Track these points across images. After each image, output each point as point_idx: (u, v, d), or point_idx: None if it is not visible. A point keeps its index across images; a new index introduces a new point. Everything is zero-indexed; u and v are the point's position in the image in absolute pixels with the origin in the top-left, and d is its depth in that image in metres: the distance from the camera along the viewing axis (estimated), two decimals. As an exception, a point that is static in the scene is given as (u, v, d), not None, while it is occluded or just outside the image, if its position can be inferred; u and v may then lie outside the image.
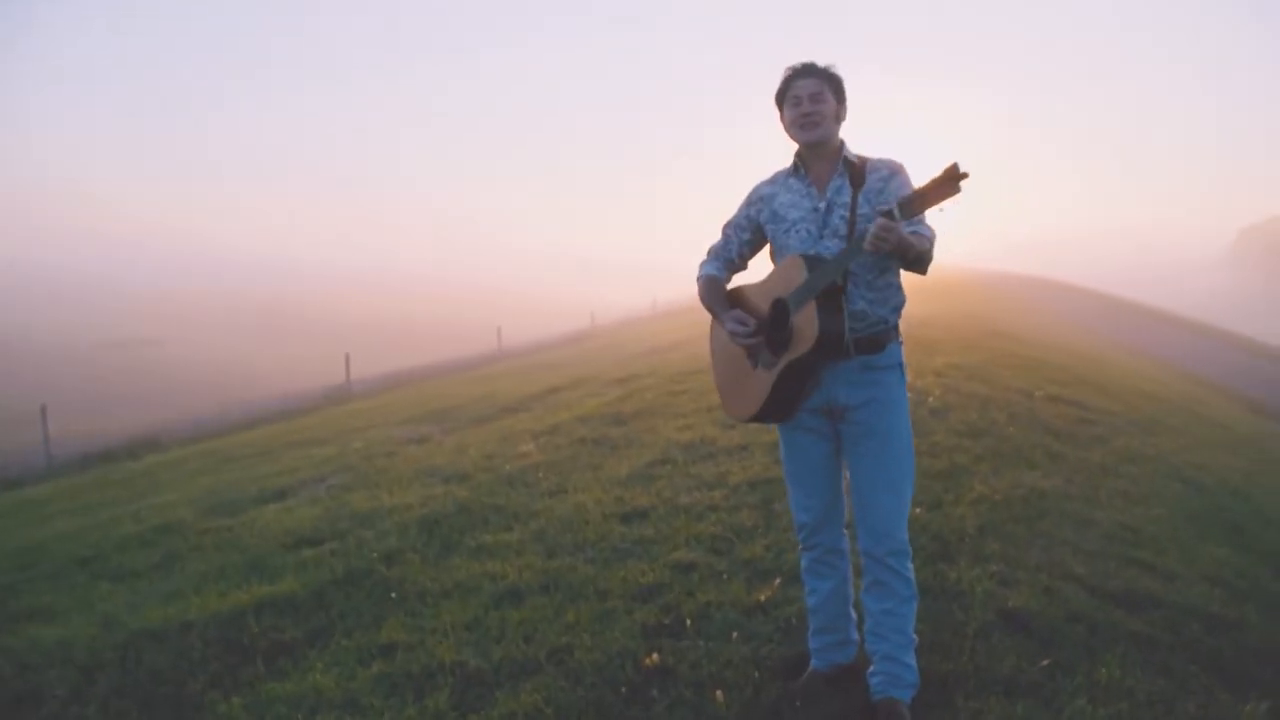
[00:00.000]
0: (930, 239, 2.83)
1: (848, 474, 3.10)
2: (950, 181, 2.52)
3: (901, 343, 3.05)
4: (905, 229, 2.69)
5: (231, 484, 8.81)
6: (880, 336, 2.98)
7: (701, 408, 9.17)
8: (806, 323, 2.85)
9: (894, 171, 2.99)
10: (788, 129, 3.06)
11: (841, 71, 3.05)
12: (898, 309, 3.01)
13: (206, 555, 5.79)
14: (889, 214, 2.62)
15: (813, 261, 2.88)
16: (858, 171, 2.99)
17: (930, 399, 8.11)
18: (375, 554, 5.08)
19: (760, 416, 3.10)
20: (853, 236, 2.93)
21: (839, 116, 3.03)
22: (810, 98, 2.99)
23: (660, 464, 6.58)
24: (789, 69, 3.05)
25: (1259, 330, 35.67)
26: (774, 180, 3.19)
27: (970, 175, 2.48)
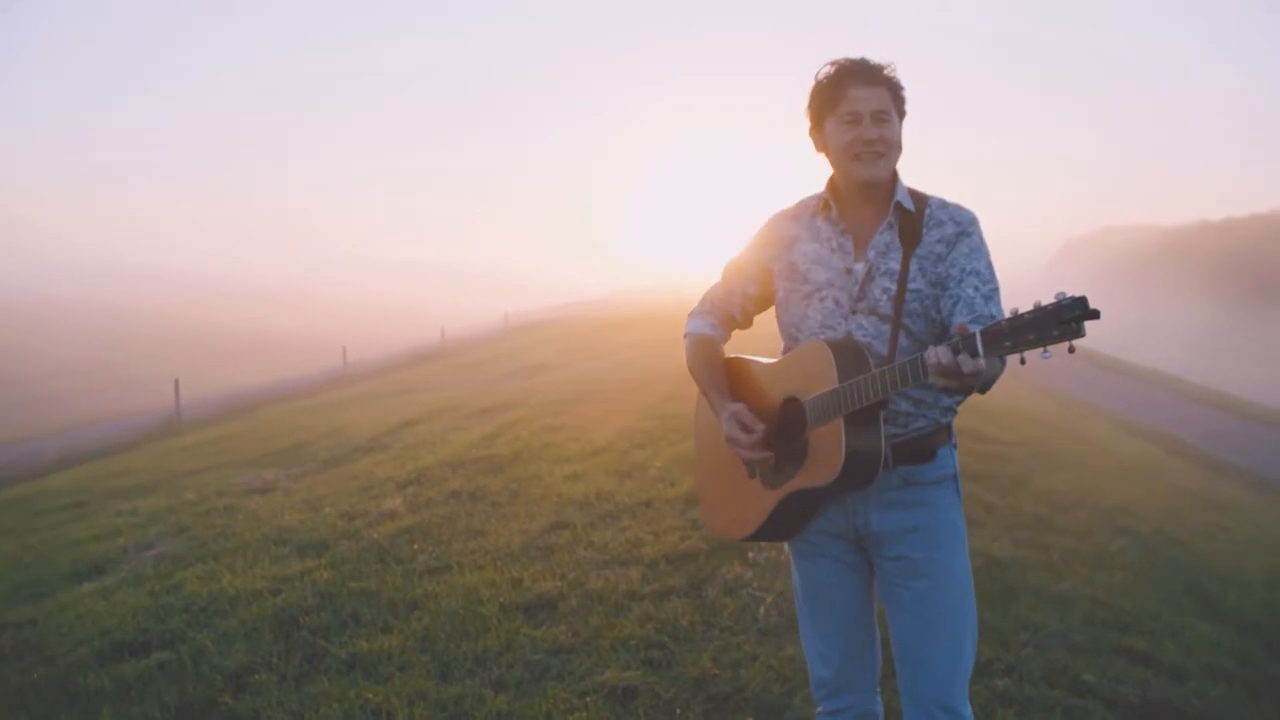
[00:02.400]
0: (1004, 362, 1.94)
1: (885, 616, 2.33)
2: (1068, 322, 1.67)
3: (955, 445, 2.31)
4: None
5: (40, 551, 7.46)
6: (928, 440, 2.23)
7: (586, 450, 8.38)
8: (828, 444, 2.09)
9: (962, 230, 2.21)
10: (834, 153, 2.25)
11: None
12: (953, 407, 2.26)
13: (2, 673, 4.60)
14: (964, 343, 1.80)
15: (847, 361, 2.10)
16: (912, 224, 2.22)
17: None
18: (218, 674, 4.04)
19: (755, 539, 2.37)
20: (899, 315, 2.17)
21: (900, 145, 2.25)
22: (874, 117, 2.17)
23: (555, 529, 5.73)
24: (836, 66, 2.21)
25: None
26: (797, 215, 2.37)
27: (1100, 317, 1.69)
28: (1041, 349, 1.70)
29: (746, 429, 2.23)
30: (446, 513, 6.47)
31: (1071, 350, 1.72)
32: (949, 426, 2.27)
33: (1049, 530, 5.65)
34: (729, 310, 2.49)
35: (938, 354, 1.81)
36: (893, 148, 2.21)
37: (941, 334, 2.18)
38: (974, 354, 1.78)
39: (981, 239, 2.21)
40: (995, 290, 2.12)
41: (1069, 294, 1.66)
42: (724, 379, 2.41)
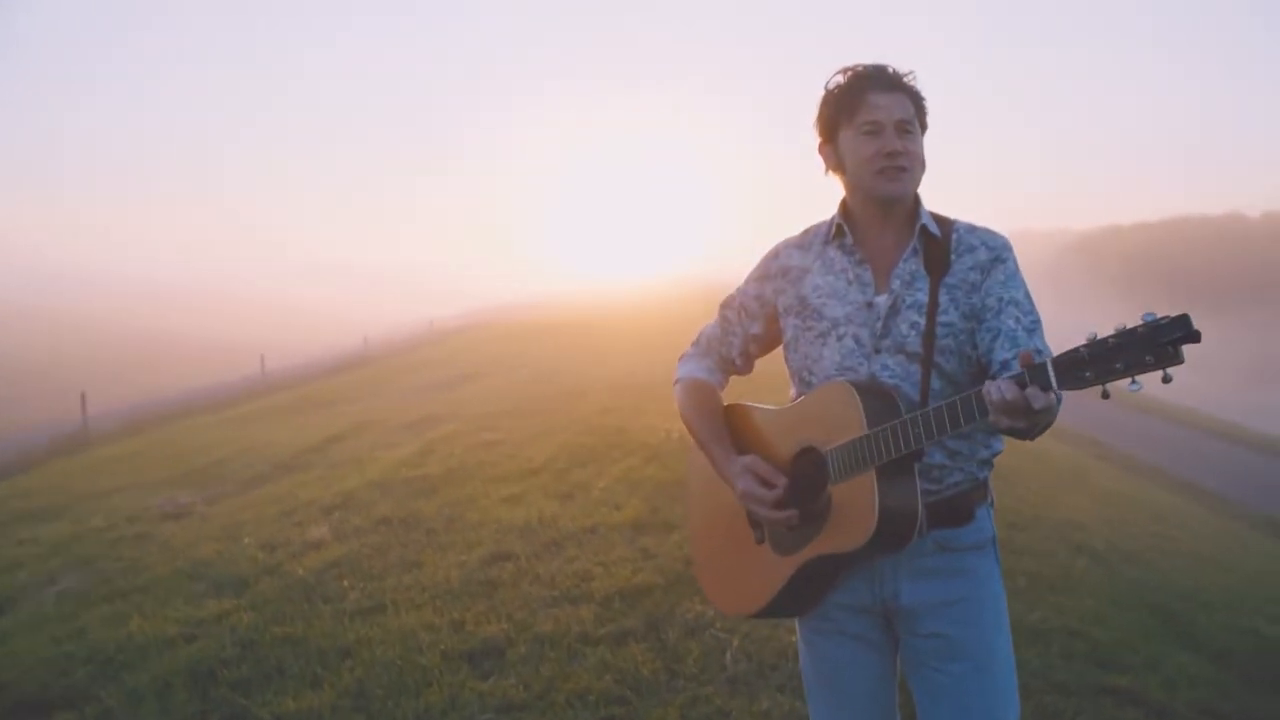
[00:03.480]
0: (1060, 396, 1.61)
1: (914, 699, 2.01)
2: (1165, 346, 1.41)
3: (993, 504, 2.01)
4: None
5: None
6: (966, 499, 1.93)
7: (524, 468, 8.02)
8: (856, 501, 1.79)
9: (997, 255, 1.93)
10: (852, 169, 1.95)
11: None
12: (990, 460, 1.96)
13: None
14: (1033, 375, 1.54)
15: (875, 403, 1.80)
16: (939, 250, 1.93)
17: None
18: (125, 744, 3.61)
19: (766, 614, 2.04)
20: (930, 353, 1.87)
21: (924, 161, 1.96)
22: (897, 127, 1.90)
23: (497, 560, 5.37)
24: (851, 72, 1.95)
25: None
26: (805, 244, 2.07)
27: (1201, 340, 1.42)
28: (1129, 379, 1.44)
29: (766, 483, 1.92)
30: (377, 542, 6.05)
31: (1167, 380, 1.44)
32: (986, 483, 1.97)
33: (1011, 552, 5.45)
34: (727, 353, 2.17)
35: (1000, 389, 1.55)
36: (918, 163, 1.93)
37: (977, 373, 1.90)
38: (1045, 386, 1.52)
39: (1017, 266, 1.94)
40: (1038, 323, 1.86)
41: (1157, 314, 1.42)
42: (725, 429, 2.08)
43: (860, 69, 1.95)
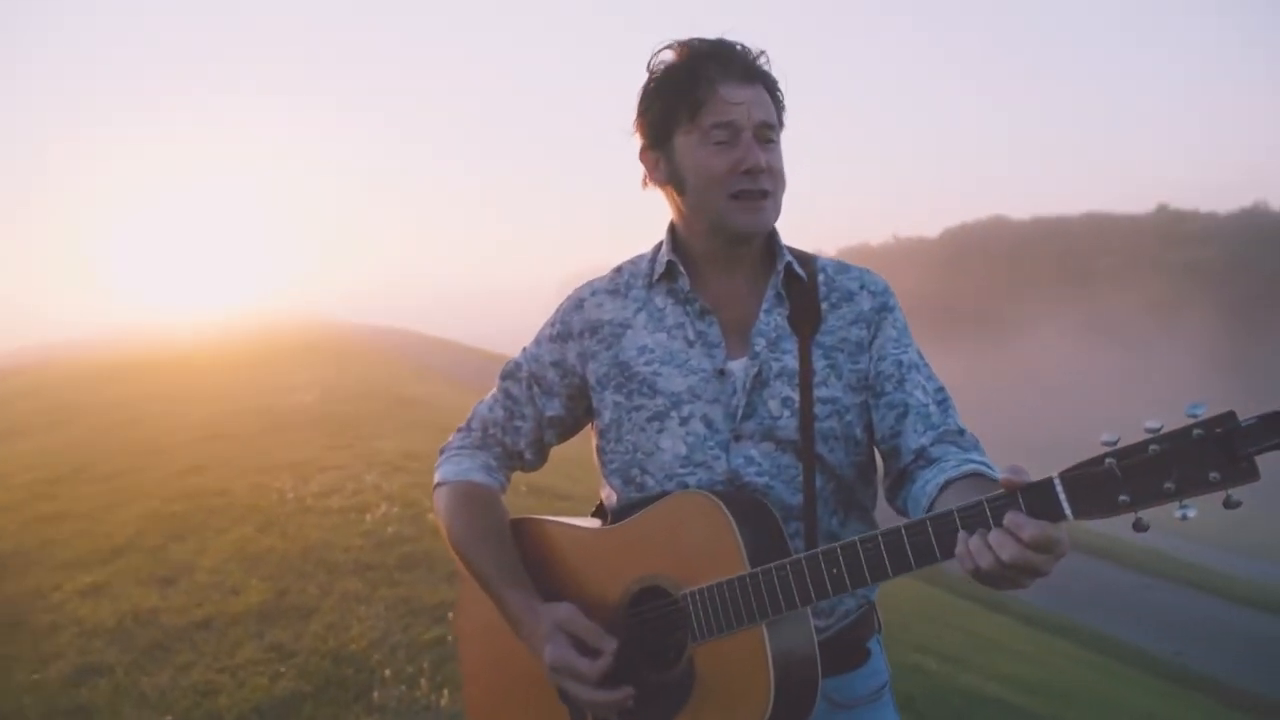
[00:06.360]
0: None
1: None
2: (1239, 460, 1.00)
3: (882, 628, 1.60)
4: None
5: None
6: (856, 632, 1.52)
7: (104, 548, 6.73)
8: (740, 668, 1.31)
9: (883, 303, 1.54)
10: (693, 189, 1.48)
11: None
12: None
13: None
14: (1035, 501, 1.11)
15: (753, 525, 1.34)
16: (807, 298, 1.51)
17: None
18: None
19: None
20: (810, 441, 1.44)
21: (785, 179, 1.52)
22: (759, 133, 1.45)
23: (86, 677, 4.32)
24: (688, 49, 1.48)
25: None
26: (620, 289, 1.59)
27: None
28: (1177, 503, 1.04)
29: (588, 650, 1.39)
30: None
31: (1231, 505, 1.01)
32: (874, 604, 1.57)
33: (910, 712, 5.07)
34: (513, 443, 1.64)
35: (1010, 521, 1.10)
36: (781, 183, 1.49)
37: (866, 465, 1.51)
38: (1057, 515, 1.09)
39: (903, 315, 1.57)
40: (946, 394, 1.49)
41: (1203, 409, 1.02)
42: (519, 562, 1.54)
43: (702, 46, 1.48)
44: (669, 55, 1.49)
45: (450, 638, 4.36)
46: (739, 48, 1.48)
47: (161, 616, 5.06)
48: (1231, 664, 10.00)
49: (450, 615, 4.68)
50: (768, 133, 1.47)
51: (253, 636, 4.66)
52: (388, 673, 4.08)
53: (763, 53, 1.49)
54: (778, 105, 1.50)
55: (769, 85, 1.49)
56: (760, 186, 1.44)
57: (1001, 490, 1.12)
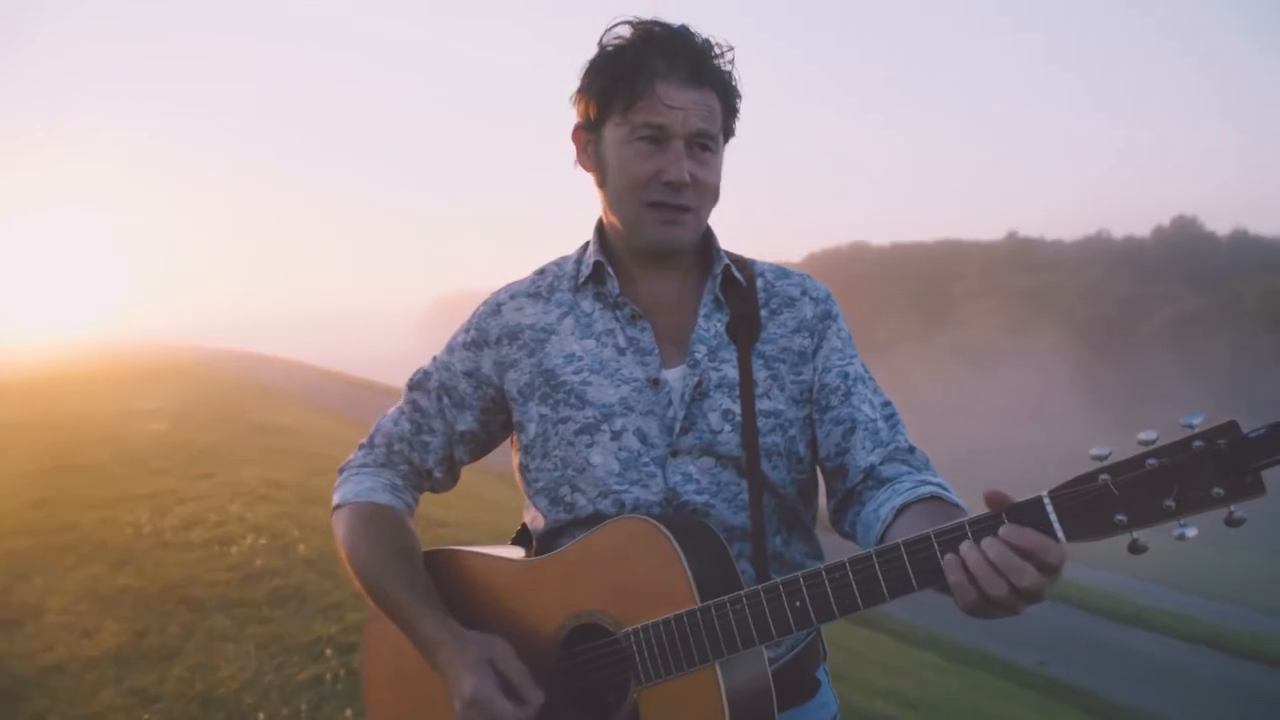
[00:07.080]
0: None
1: None
2: (1245, 474, 0.96)
3: (827, 655, 1.50)
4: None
5: None
6: (805, 662, 1.42)
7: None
8: (695, 709, 1.20)
9: (825, 310, 1.47)
10: (614, 185, 1.39)
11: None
12: None
13: None
14: (1023, 520, 1.05)
15: (708, 555, 1.24)
16: (745, 303, 1.43)
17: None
18: None
19: None
20: (754, 456, 1.35)
21: (718, 191, 1.43)
22: (692, 139, 1.35)
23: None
24: (639, 31, 1.36)
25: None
26: (543, 293, 1.48)
27: None
28: (1176, 522, 0.99)
29: (517, 696, 1.27)
30: None
31: (1234, 523, 0.96)
32: (820, 631, 1.45)
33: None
34: (421, 461, 1.51)
35: (996, 544, 1.03)
36: (709, 198, 1.40)
37: (809, 483, 1.44)
38: (1050, 536, 1.03)
39: (846, 324, 1.49)
40: (893, 408, 1.43)
41: (1198, 419, 0.97)
42: (433, 588, 1.40)
43: (656, 34, 1.35)
44: (624, 32, 1.38)
45: (329, 677, 4.20)
46: (696, 42, 1.37)
47: (9, 662, 4.72)
48: (1100, 676, 10.36)
49: (328, 652, 4.52)
50: (705, 141, 1.37)
51: (111, 681, 4.38)
52: (261, 716, 3.88)
53: (725, 51, 1.38)
54: (728, 112, 1.40)
55: (721, 89, 1.38)
56: (679, 201, 1.36)
57: (986, 512, 1.07)
